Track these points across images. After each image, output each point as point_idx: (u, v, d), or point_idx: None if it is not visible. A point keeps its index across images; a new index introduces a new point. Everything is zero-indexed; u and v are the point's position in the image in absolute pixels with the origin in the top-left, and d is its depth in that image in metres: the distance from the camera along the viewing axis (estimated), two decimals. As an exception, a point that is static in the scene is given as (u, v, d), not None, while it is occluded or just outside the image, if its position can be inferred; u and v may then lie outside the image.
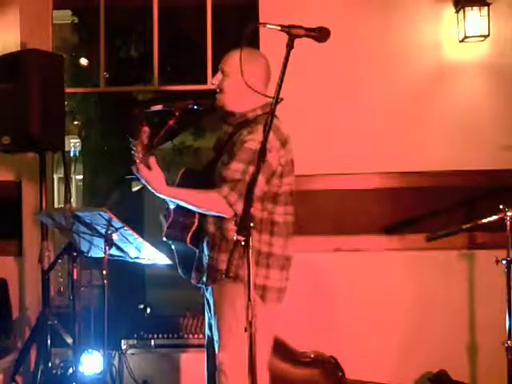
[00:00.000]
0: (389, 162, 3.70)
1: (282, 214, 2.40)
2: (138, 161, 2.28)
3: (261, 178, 2.26)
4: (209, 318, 2.55)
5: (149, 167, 2.28)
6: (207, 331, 2.59)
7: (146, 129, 2.30)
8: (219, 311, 2.40)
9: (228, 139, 2.47)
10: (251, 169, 2.26)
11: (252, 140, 2.31)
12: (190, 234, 2.41)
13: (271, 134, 2.29)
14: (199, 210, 2.37)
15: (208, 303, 2.53)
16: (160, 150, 10.85)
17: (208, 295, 2.51)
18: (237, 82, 2.39)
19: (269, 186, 2.35)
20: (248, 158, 2.29)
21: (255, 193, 2.25)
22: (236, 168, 2.30)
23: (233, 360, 2.31)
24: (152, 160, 2.29)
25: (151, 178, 2.29)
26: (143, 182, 2.31)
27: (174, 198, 2.37)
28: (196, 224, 2.42)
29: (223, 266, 2.33)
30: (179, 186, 2.45)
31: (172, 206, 2.51)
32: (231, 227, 2.33)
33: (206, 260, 2.43)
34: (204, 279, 2.45)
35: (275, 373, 2.56)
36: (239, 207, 2.26)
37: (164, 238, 2.52)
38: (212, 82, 2.55)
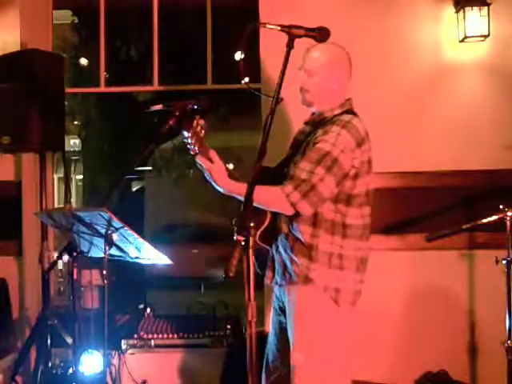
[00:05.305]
0: (389, 161, 3.69)
1: (356, 216, 2.37)
2: (193, 153, 2.28)
3: (330, 180, 2.26)
4: (275, 316, 2.55)
5: (210, 160, 2.29)
6: (271, 329, 2.58)
7: (202, 121, 2.29)
8: (292, 312, 2.39)
9: (305, 139, 2.45)
10: (319, 169, 2.25)
11: (324, 141, 2.29)
12: (258, 232, 2.37)
13: (346, 134, 2.30)
14: (259, 206, 2.32)
15: (279, 301, 2.52)
16: (160, 149, 10.85)
17: (281, 294, 2.50)
18: (322, 81, 2.41)
19: (340, 187, 2.31)
20: (317, 159, 2.27)
21: (323, 194, 2.26)
22: (304, 167, 2.28)
23: (306, 362, 2.30)
24: (213, 153, 2.30)
25: (214, 171, 2.30)
26: (205, 175, 2.32)
27: (235, 192, 2.33)
28: (267, 222, 2.39)
29: (295, 268, 2.35)
30: None
31: None
32: (304, 229, 2.33)
33: (279, 259, 2.42)
34: (278, 279, 2.44)
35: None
36: (301, 207, 2.26)
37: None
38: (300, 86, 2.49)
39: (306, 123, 2.53)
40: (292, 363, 2.34)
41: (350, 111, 2.44)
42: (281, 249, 2.41)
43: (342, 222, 2.35)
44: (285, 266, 2.40)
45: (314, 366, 2.30)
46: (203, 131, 2.31)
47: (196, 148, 2.29)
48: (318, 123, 2.43)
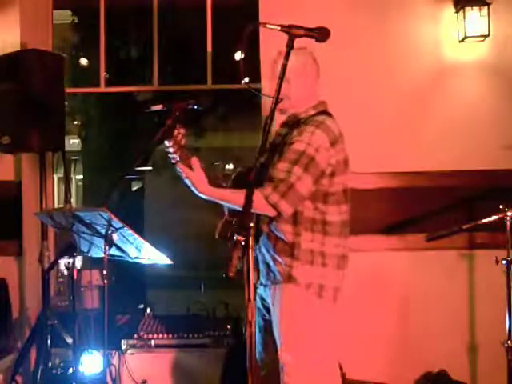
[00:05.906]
0: (389, 162, 3.70)
1: (335, 213, 2.39)
2: (174, 162, 2.31)
3: (308, 178, 2.29)
4: (259, 315, 2.56)
5: (190, 167, 2.31)
6: (256, 329, 2.58)
7: (182, 130, 2.32)
8: (277, 312, 2.41)
9: (281, 140, 2.47)
10: (296, 169, 2.28)
11: (299, 141, 2.33)
12: None
13: (320, 134, 2.33)
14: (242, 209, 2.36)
15: (263, 302, 2.53)
16: (159, 150, 10.85)
17: (265, 294, 2.50)
18: (298, 85, 2.43)
19: (317, 185, 2.34)
20: (293, 159, 2.30)
21: (302, 193, 2.29)
22: (281, 168, 2.31)
23: (294, 360, 2.33)
24: (194, 160, 2.32)
25: (194, 178, 2.32)
26: (186, 182, 2.35)
27: (217, 198, 2.37)
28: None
29: (279, 267, 2.38)
30: (231, 189, 2.45)
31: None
32: (286, 228, 2.36)
33: (262, 260, 2.44)
34: (262, 279, 2.46)
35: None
36: (282, 207, 2.28)
37: (217, 237, 2.52)
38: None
39: (282, 125, 2.55)
40: (281, 362, 2.36)
41: (325, 112, 2.46)
42: (263, 249, 2.43)
43: (322, 219, 2.37)
44: (268, 266, 2.42)
45: (301, 363, 2.33)
46: (184, 140, 2.33)
47: (177, 156, 2.31)
48: (293, 125, 2.45)
